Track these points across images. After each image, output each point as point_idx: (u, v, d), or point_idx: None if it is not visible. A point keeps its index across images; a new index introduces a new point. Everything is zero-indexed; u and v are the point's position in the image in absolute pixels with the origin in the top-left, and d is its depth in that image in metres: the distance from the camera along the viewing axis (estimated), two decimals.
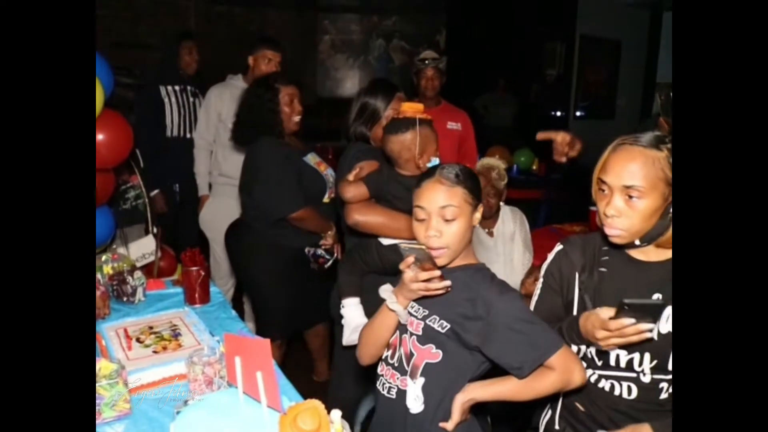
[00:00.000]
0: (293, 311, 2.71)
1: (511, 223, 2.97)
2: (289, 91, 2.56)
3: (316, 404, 1.11)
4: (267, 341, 1.13)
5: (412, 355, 1.39)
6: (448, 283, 1.31)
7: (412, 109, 1.93)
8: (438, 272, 1.29)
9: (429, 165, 1.85)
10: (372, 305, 1.79)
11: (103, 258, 2.20)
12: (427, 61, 3.31)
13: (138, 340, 1.76)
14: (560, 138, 1.86)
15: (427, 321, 1.37)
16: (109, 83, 2.30)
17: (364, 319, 1.96)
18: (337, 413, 1.12)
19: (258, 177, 2.49)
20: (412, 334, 1.40)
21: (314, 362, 3.21)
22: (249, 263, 2.73)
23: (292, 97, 2.56)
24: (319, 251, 2.61)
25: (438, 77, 3.31)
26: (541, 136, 1.91)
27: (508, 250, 2.92)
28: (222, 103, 3.25)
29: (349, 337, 2.03)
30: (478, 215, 1.39)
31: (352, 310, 2.03)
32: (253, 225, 2.64)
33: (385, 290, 1.40)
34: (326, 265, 2.64)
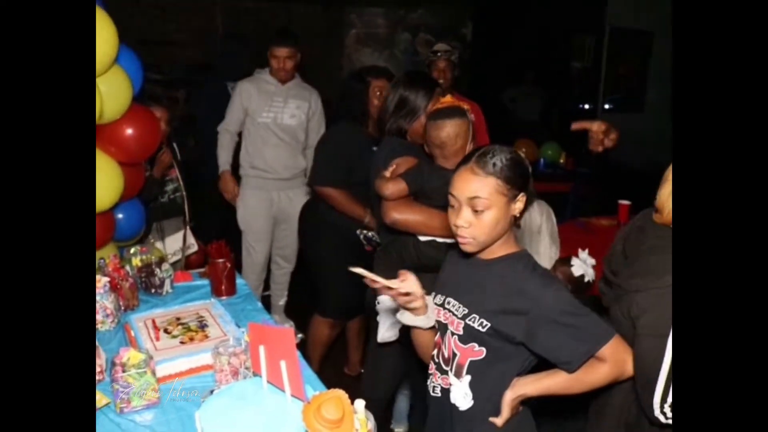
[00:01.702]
0: (350, 293, 2.75)
1: (537, 216, 2.93)
2: (379, 83, 2.68)
3: (340, 394, 1.11)
4: (291, 330, 1.14)
5: (454, 355, 1.37)
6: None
7: (455, 103, 1.90)
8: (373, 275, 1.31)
9: None
10: None
11: (132, 250, 2.23)
12: (439, 53, 3.33)
13: (166, 330, 1.78)
14: (596, 127, 1.85)
15: (467, 320, 1.34)
16: (138, 79, 2.33)
17: (399, 317, 1.96)
18: (360, 403, 1.12)
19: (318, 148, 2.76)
20: (453, 333, 1.37)
21: (348, 353, 3.24)
22: (313, 240, 2.89)
23: (381, 89, 2.66)
24: (370, 234, 2.63)
25: (450, 69, 3.32)
26: (576, 125, 1.90)
27: (535, 242, 2.89)
28: (250, 98, 3.30)
29: (384, 335, 2.02)
30: (518, 205, 1.32)
31: (387, 307, 2.02)
32: (319, 203, 2.78)
33: (399, 315, 1.43)
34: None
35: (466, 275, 1.41)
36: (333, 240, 2.77)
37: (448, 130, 1.85)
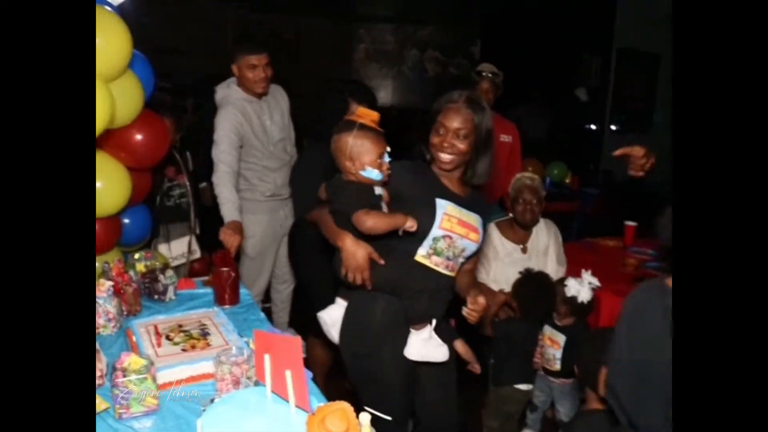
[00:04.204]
0: None
1: (545, 236, 2.92)
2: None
3: (345, 406, 1.09)
4: (298, 339, 1.12)
5: None
6: None
7: (367, 116, 1.80)
8: None
9: (363, 173, 1.75)
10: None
11: (136, 255, 2.22)
12: (483, 74, 3.38)
13: (167, 337, 1.77)
14: (636, 152, 1.92)
15: None
16: (149, 85, 2.34)
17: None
18: (365, 416, 1.10)
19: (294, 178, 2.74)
20: None
21: None
22: (302, 261, 2.83)
23: None
24: None
25: (493, 90, 3.38)
26: (618, 153, 1.97)
27: (542, 263, 2.88)
28: (242, 126, 2.88)
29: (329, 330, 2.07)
30: None
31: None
32: (305, 224, 2.67)
33: None
34: None
35: None
36: (319, 259, 2.59)
37: (332, 144, 1.81)
